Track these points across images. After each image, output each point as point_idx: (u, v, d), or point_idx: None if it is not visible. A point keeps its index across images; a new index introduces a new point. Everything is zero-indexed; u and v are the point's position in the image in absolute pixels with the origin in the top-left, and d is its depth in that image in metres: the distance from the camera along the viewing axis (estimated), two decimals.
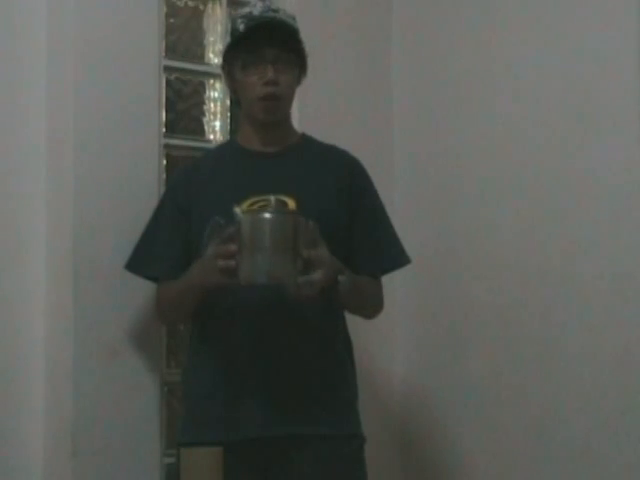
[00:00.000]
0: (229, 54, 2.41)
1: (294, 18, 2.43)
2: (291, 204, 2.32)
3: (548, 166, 2.77)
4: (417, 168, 3.17)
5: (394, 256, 2.51)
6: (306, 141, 2.52)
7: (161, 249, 2.42)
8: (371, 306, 2.51)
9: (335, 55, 3.10)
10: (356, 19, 3.17)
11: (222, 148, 2.61)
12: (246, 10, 2.41)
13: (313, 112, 3.02)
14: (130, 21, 2.61)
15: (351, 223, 2.42)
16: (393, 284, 3.09)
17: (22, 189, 2.58)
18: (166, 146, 2.76)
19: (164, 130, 2.77)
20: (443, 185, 3.09)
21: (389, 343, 3.14)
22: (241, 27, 2.36)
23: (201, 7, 2.94)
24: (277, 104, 2.39)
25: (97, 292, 2.50)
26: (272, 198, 2.20)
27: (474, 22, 3.02)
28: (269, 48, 2.34)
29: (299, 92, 3.01)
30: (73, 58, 2.54)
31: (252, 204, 2.32)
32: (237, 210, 2.20)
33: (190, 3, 2.92)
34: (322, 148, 2.53)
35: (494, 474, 2.88)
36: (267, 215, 2.15)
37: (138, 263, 2.44)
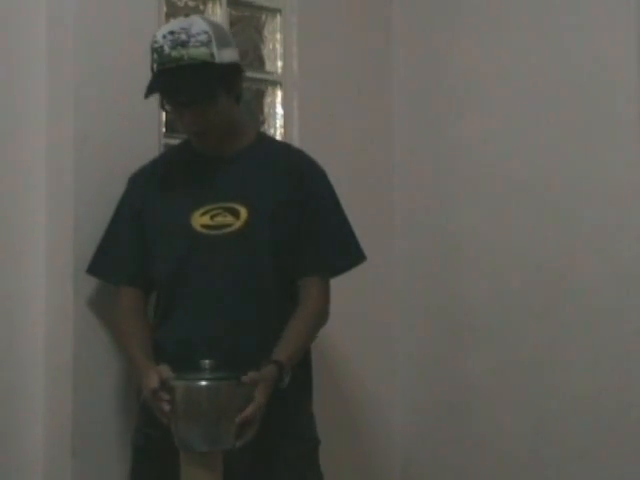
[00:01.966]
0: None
1: (208, 41, 2.28)
2: (243, 213, 2.32)
3: (548, 166, 2.77)
4: (417, 168, 3.17)
5: (343, 257, 2.43)
6: (260, 141, 2.49)
7: (118, 254, 2.43)
8: (317, 332, 2.41)
9: (335, 55, 3.10)
10: (356, 19, 3.17)
11: (178, 149, 2.57)
12: (159, 42, 2.30)
13: (313, 112, 3.03)
14: (130, 21, 2.61)
15: (300, 225, 2.37)
16: (393, 284, 3.10)
17: (22, 189, 2.57)
18: (166, 146, 2.75)
19: (164, 130, 2.77)
20: (443, 185, 3.09)
21: (388, 343, 3.14)
22: (155, 66, 2.31)
23: (201, 7, 2.94)
24: (205, 137, 2.37)
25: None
26: (207, 362, 2.10)
27: (475, 22, 3.02)
28: (182, 95, 2.30)
29: (299, 92, 3.02)
30: (73, 58, 2.54)
31: (205, 212, 2.33)
32: (170, 374, 2.16)
33: (190, 3, 2.92)
34: (275, 149, 2.50)
35: (494, 474, 2.88)
36: (203, 383, 2.09)
37: (98, 267, 2.45)
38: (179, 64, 2.28)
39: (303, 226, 2.37)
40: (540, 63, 2.81)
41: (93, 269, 2.45)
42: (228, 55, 2.33)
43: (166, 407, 2.15)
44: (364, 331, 2.90)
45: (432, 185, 3.13)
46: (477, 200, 2.97)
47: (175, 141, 2.78)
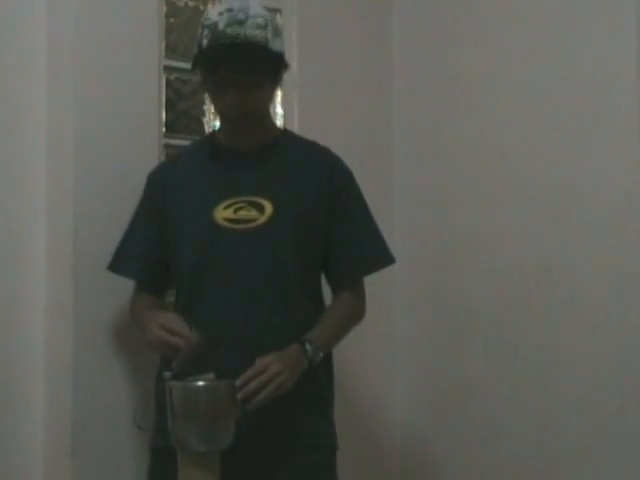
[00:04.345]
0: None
1: (264, 25, 2.26)
2: (268, 208, 2.29)
3: (548, 166, 2.77)
4: (417, 168, 3.17)
5: (374, 257, 2.43)
6: (287, 138, 2.47)
7: (136, 250, 2.41)
8: (353, 326, 2.42)
9: (335, 55, 3.10)
10: (357, 19, 3.17)
11: (201, 144, 2.52)
12: (213, 19, 2.27)
13: (313, 112, 3.03)
14: (130, 21, 2.61)
15: (330, 224, 2.36)
16: (394, 284, 3.09)
17: (22, 189, 2.58)
18: (166, 146, 2.76)
19: (164, 130, 2.78)
20: (443, 185, 3.09)
21: (389, 343, 3.14)
22: (204, 42, 2.27)
23: (201, 7, 2.94)
24: (245, 120, 2.32)
25: (97, 292, 2.49)
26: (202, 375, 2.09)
27: (475, 21, 3.02)
28: (232, 72, 2.25)
29: (299, 92, 3.02)
30: (73, 58, 2.54)
31: (229, 206, 2.30)
32: (167, 374, 2.11)
33: (190, 3, 2.92)
34: (303, 146, 2.46)
35: (494, 473, 2.88)
36: (200, 384, 2.07)
37: (117, 263, 2.43)
38: (234, 42, 2.24)
39: (335, 227, 2.36)
40: (540, 63, 2.80)
41: (112, 266, 2.42)
42: (279, 45, 2.32)
43: (176, 340, 2.11)
44: (364, 331, 2.89)
45: (432, 185, 3.13)
46: (477, 200, 2.97)
47: (175, 141, 2.79)
